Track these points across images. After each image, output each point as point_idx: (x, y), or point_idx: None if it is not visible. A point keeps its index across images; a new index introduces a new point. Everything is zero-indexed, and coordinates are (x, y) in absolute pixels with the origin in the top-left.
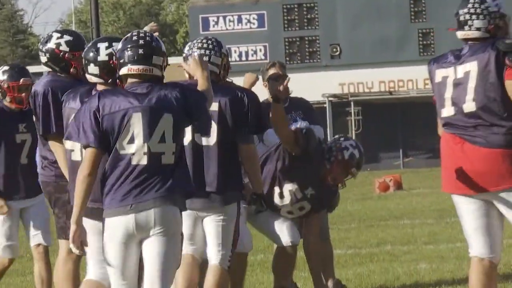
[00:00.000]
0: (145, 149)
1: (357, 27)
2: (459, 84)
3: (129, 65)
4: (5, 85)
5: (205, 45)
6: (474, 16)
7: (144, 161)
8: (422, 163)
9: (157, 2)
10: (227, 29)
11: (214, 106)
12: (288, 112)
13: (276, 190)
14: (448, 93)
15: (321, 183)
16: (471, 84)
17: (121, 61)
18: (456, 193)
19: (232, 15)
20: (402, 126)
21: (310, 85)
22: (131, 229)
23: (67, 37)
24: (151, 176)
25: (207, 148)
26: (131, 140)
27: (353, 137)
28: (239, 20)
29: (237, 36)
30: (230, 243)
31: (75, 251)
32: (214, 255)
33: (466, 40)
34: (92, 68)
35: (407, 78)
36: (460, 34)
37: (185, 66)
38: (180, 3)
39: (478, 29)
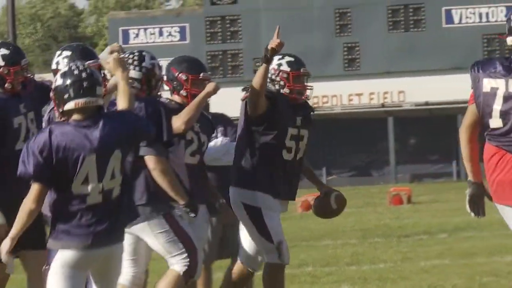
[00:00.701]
0: (100, 188)
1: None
2: (510, 98)
3: (75, 99)
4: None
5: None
6: None
7: (99, 199)
8: (345, 181)
9: (76, 13)
10: (148, 42)
11: None
12: None
13: (284, 153)
14: (498, 105)
15: (298, 106)
16: None
17: (65, 96)
18: (500, 203)
19: (153, 28)
20: (326, 143)
21: (232, 100)
22: (84, 264)
23: (3, 51)
24: (105, 213)
25: None
26: (86, 181)
27: None
28: (161, 33)
29: (158, 49)
30: (175, 249)
31: (9, 268)
32: (167, 261)
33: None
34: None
35: (331, 94)
36: (509, 40)
37: (106, 66)
38: (100, 15)
39: None
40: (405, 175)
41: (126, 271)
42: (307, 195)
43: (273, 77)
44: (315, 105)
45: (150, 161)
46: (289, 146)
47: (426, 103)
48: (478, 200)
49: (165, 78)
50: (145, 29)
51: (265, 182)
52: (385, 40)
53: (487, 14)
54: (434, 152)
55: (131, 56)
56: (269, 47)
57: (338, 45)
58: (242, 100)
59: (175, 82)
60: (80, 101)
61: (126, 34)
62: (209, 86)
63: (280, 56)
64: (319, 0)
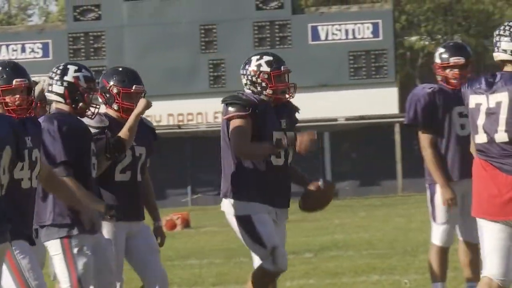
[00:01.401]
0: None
1: (145, 57)
2: (491, 114)
3: None
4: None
5: (50, 73)
6: (502, 38)
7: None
8: (211, 200)
9: None
10: (10, 59)
11: None
12: None
13: (273, 158)
14: (481, 120)
15: (281, 108)
16: (503, 115)
17: None
18: (482, 217)
19: (16, 44)
20: (191, 162)
21: None
22: None
23: None
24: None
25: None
26: None
27: None
28: (23, 49)
29: None
30: (62, 278)
31: None
32: None
33: (499, 61)
34: None
35: (197, 111)
36: (495, 55)
37: None
38: None
39: (504, 51)
40: None
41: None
42: (172, 214)
43: (254, 79)
44: (180, 123)
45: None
46: (277, 154)
47: None
48: None
49: (98, 90)
50: (7, 45)
51: (257, 193)
52: None
53: (353, 31)
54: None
55: (55, 70)
56: (292, 145)
57: (203, 62)
58: (224, 119)
59: (107, 95)
60: None
61: None
62: (140, 104)
63: (258, 57)
64: (184, 16)
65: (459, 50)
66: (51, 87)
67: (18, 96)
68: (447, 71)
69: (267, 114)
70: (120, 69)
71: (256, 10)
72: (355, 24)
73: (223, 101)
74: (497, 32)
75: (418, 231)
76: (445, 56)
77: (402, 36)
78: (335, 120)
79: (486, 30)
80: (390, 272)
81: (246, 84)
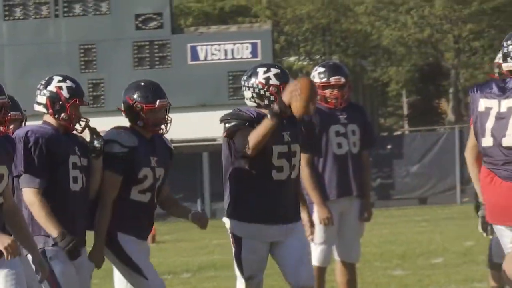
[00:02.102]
0: None
1: (25, 76)
2: (501, 118)
3: None
4: None
5: (38, 85)
6: None
7: None
8: None
9: None
10: None
11: None
12: None
13: (274, 173)
14: (490, 124)
15: (286, 121)
16: None
17: None
18: (491, 222)
19: None
20: None
21: None
22: None
23: None
24: None
25: None
26: None
27: None
28: None
29: None
30: None
31: None
32: None
33: (510, 72)
34: None
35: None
36: (504, 66)
37: None
38: None
39: None
40: None
41: None
42: None
43: (262, 92)
44: None
45: (23, 192)
46: (278, 165)
47: (171, 141)
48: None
49: (122, 107)
50: None
51: (259, 211)
52: (130, 77)
53: (232, 51)
54: (179, 190)
55: (42, 81)
56: (284, 105)
57: (83, 82)
58: (225, 137)
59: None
60: None
61: None
62: None
63: (265, 69)
64: (64, 35)
65: (338, 70)
66: (36, 98)
67: None
68: (327, 90)
69: None
70: (142, 83)
71: (136, 30)
72: (234, 44)
73: (221, 120)
74: (509, 42)
75: None
76: (324, 75)
77: (281, 56)
78: (214, 140)
79: (364, 51)
80: None
81: (252, 97)
